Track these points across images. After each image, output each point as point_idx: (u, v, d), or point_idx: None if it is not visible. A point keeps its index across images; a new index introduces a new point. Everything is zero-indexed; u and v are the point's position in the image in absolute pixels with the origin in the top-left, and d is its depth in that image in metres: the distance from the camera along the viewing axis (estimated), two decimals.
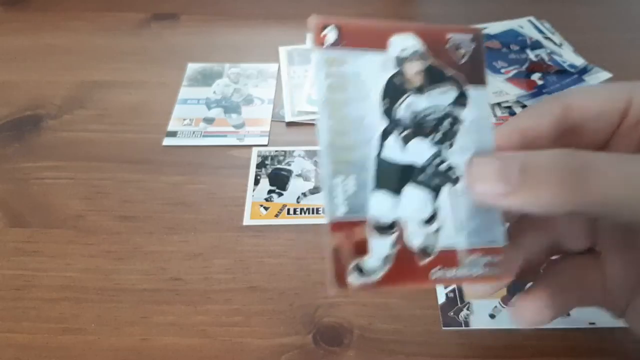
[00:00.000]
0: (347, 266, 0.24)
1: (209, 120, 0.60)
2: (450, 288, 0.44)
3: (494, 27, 0.66)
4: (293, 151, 0.57)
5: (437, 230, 0.26)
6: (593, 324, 0.42)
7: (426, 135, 0.26)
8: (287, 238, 0.49)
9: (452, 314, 0.43)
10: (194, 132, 0.59)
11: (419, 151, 0.26)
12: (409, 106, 0.25)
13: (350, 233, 0.24)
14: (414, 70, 0.25)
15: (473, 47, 0.27)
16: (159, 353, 0.41)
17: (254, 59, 0.68)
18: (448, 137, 0.26)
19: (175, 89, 0.64)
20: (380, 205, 0.25)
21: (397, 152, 0.25)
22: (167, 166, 0.55)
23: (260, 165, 0.55)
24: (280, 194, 0.52)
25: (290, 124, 0.60)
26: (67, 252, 0.48)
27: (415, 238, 0.25)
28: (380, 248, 0.24)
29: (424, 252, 0.25)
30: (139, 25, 0.74)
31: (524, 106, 0.56)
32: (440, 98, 0.26)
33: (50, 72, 0.67)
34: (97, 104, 0.62)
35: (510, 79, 0.59)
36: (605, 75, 0.57)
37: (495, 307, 0.43)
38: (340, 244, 0.24)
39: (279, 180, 0.54)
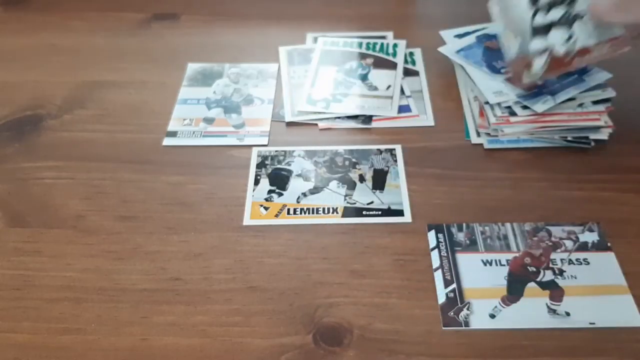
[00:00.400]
0: (522, 73, 0.53)
1: (209, 120, 0.60)
2: (450, 288, 0.44)
3: (494, 27, 0.66)
4: (293, 151, 0.57)
5: (574, 41, 0.51)
6: (593, 324, 0.42)
7: (559, 4, 0.52)
8: (287, 238, 0.49)
9: (452, 313, 0.43)
10: (194, 132, 0.59)
11: (556, 14, 0.52)
12: None
13: (522, 61, 0.53)
14: None
15: None
16: (159, 353, 0.41)
17: (254, 59, 0.68)
18: (572, 4, 0.51)
19: (175, 89, 0.64)
20: (537, 46, 0.52)
21: (543, 18, 0.52)
22: (167, 166, 0.55)
23: (260, 165, 0.55)
24: (280, 194, 0.52)
25: (290, 124, 0.60)
26: (67, 252, 0.48)
27: (561, 49, 0.51)
28: (539, 61, 0.52)
29: (567, 53, 0.52)
30: (139, 26, 0.74)
31: (524, 107, 0.56)
32: None
33: (50, 72, 0.67)
34: (97, 104, 0.63)
35: (510, 79, 0.59)
36: (605, 75, 0.57)
37: (495, 307, 0.43)
38: (517, 66, 0.54)
39: (279, 180, 0.54)
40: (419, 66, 0.66)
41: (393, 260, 0.47)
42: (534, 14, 0.52)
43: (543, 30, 0.53)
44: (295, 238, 0.49)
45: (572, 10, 0.51)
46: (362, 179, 0.54)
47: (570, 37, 0.51)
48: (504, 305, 0.44)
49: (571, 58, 0.52)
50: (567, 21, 0.52)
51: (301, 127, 0.60)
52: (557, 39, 0.52)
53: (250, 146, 0.57)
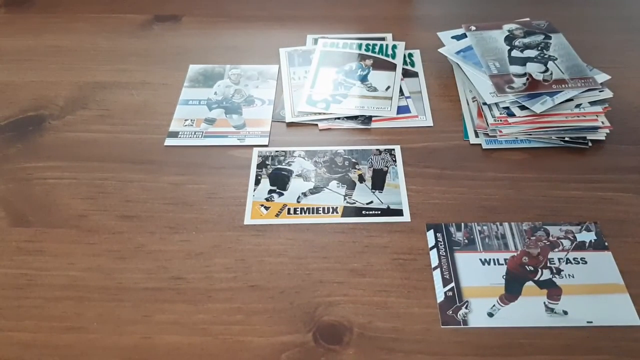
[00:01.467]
0: (504, 86, 0.58)
1: (210, 121, 0.61)
2: (449, 287, 0.45)
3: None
4: (293, 151, 0.57)
5: (551, 73, 0.58)
6: (590, 322, 0.43)
7: (533, 48, 0.62)
8: (287, 237, 0.49)
9: (450, 312, 0.43)
10: (195, 133, 0.59)
11: (530, 52, 0.61)
12: (520, 40, 0.63)
13: (501, 79, 0.59)
14: (519, 31, 0.65)
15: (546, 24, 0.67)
16: (160, 351, 0.42)
17: (255, 60, 0.68)
18: (545, 47, 0.62)
19: (176, 90, 0.64)
20: (516, 70, 0.59)
21: (519, 53, 0.61)
22: (169, 166, 0.56)
23: (260, 166, 0.56)
24: (280, 194, 0.53)
25: (290, 125, 0.60)
26: (70, 252, 0.48)
27: (538, 77, 0.58)
28: (519, 80, 0.58)
29: (545, 79, 0.58)
30: (141, 27, 0.75)
31: (522, 107, 0.56)
32: (536, 37, 0.64)
33: (53, 73, 0.68)
34: (99, 105, 0.63)
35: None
36: (604, 77, 0.58)
37: (494, 305, 0.44)
38: (497, 81, 0.58)
39: (280, 180, 0.54)
40: (418, 67, 0.67)
41: (392, 260, 0.47)
42: (510, 50, 0.62)
43: (520, 61, 0.60)
44: (296, 237, 0.49)
45: (546, 54, 0.61)
46: (361, 179, 0.54)
47: (546, 70, 0.58)
48: (502, 304, 0.44)
49: (549, 84, 0.57)
50: (542, 60, 0.60)
51: (301, 128, 0.60)
52: (533, 69, 0.59)
53: (251, 146, 0.58)
